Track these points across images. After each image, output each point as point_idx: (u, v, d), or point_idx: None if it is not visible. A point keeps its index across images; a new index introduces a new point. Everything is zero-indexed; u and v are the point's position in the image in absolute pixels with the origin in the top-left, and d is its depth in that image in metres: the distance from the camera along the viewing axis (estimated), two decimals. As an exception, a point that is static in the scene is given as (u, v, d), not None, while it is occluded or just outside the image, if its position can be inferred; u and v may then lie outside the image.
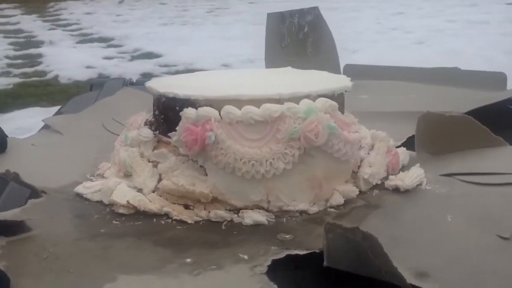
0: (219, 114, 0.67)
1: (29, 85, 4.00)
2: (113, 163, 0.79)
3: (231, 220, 0.67)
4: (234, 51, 4.50)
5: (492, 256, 0.56)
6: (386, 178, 0.74)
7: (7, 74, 4.34)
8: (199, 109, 0.68)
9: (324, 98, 0.68)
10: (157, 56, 4.74)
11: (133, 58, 4.79)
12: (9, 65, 4.62)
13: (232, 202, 0.68)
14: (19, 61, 4.81)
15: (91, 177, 0.80)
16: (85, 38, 5.89)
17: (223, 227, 0.66)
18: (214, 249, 0.60)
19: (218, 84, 0.79)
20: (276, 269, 0.55)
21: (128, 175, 0.75)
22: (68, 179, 0.78)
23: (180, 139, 0.69)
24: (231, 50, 4.60)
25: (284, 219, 0.67)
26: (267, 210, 0.68)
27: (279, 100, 0.67)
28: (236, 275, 0.54)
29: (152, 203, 0.69)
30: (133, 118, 0.80)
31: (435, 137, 0.80)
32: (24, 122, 3.06)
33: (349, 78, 0.78)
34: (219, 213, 0.67)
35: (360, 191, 0.72)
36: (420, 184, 0.72)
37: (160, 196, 0.70)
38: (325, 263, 0.53)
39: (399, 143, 0.84)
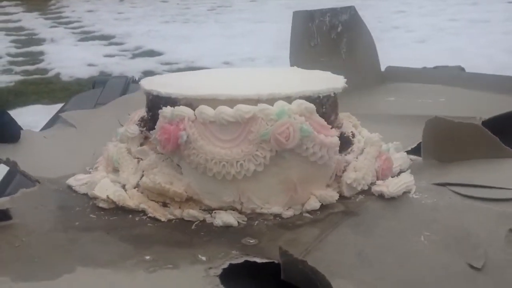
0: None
1: (31, 82, 4.00)
2: (103, 157, 0.80)
3: (204, 220, 0.67)
4: (235, 49, 4.50)
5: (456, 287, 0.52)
6: (375, 183, 0.73)
7: (8, 71, 4.34)
8: (175, 108, 0.68)
9: (300, 100, 0.67)
10: (159, 54, 4.74)
11: (134, 56, 4.78)
12: (11, 63, 4.62)
13: (206, 202, 0.69)
14: (21, 58, 4.81)
15: (90, 170, 0.81)
16: (87, 36, 5.88)
17: (193, 227, 0.66)
18: (176, 248, 0.61)
19: (205, 83, 0.79)
20: (232, 274, 0.55)
21: (116, 170, 0.76)
22: (67, 171, 0.79)
23: (156, 137, 0.70)
24: (233, 48, 4.60)
25: (257, 222, 0.66)
26: (240, 212, 0.68)
27: (257, 101, 0.67)
28: (189, 275, 0.55)
29: (131, 199, 0.70)
30: (133, 113, 0.81)
31: (442, 143, 0.77)
32: (26, 120, 3.06)
33: (344, 80, 0.76)
34: (191, 213, 0.68)
35: (343, 196, 0.70)
36: (408, 192, 0.69)
37: (142, 192, 0.71)
38: (282, 277, 0.54)
39: (409, 148, 0.82)
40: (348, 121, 0.81)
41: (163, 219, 0.68)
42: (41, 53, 4.98)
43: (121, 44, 5.33)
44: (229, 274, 0.55)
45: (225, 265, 0.56)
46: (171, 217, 0.68)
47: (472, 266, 0.54)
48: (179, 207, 0.69)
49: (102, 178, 0.74)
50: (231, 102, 0.66)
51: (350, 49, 1.18)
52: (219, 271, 0.55)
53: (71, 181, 0.76)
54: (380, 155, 0.74)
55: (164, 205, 0.70)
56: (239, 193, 0.68)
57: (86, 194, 0.74)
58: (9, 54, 4.96)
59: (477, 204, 0.66)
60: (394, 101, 1.06)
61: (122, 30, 6.00)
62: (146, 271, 0.56)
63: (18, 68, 4.41)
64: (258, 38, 5.18)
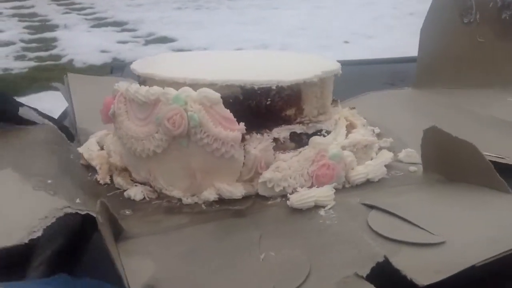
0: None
1: (44, 69, 4.01)
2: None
3: (126, 190, 0.69)
4: (248, 36, 4.47)
5: None
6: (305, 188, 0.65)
7: (22, 57, 4.34)
8: (118, 83, 0.71)
9: (204, 89, 0.63)
10: (172, 40, 4.72)
11: (147, 42, 4.77)
12: (24, 49, 4.63)
13: (133, 174, 0.71)
14: (34, 45, 4.81)
15: None
16: (100, 22, 5.88)
17: (110, 194, 0.68)
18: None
19: (184, 65, 0.78)
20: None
21: None
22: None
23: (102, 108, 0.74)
24: (246, 34, 4.58)
25: (161, 201, 0.66)
26: (154, 190, 0.69)
27: (183, 84, 0.65)
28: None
29: (95, 160, 0.74)
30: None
31: (442, 157, 0.67)
32: (39, 106, 3.06)
33: (320, 73, 0.70)
34: (118, 181, 0.70)
35: (259, 195, 0.65)
36: (322, 207, 0.61)
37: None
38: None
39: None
40: (347, 118, 0.76)
41: (101, 182, 0.71)
42: (54, 39, 4.98)
43: (134, 30, 5.32)
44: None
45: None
46: (108, 182, 0.71)
47: None
48: (118, 175, 0.72)
49: (93, 137, 0.80)
50: (171, 84, 0.66)
51: None
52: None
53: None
54: (319, 159, 0.66)
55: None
56: (149, 171, 0.68)
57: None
58: (22, 40, 4.96)
59: (372, 239, 0.53)
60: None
61: (135, 16, 5.99)
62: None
63: (31, 54, 4.41)
64: (271, 25, 5.15)
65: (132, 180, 0.71)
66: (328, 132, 0.72)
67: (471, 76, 1.04)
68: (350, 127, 0.75)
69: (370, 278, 0.47)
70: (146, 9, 6.71)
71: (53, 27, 5.62)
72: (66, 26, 5.63)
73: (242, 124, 0.63)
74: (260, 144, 0.65)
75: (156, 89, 0.64)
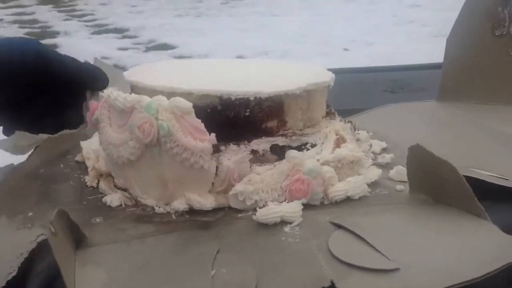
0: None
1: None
2: None
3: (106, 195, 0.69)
4: (249, 43, 4.48)
5: None
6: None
7: (23, 64, 4.36)
8: (105, 90, 0.71)
9: (178, 98, 0.62)
10: (172, 47, 4.74)
11: (148, 49, 4.78)
12: (25, 55, 4.64)
13: (115, 180, 0.71)
14: (35, 51, 4.83)
15: None
16: (100, 29, 5.89)
17: (91, 197, 0.69)
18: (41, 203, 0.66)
19: (169, 72, 0.77)
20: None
21: None
22: None
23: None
24: (246, 42, 4.59)
25: (135, 208, 0.66)
26: (133, 197, 0.68)
27: (161, 92, 0.65)
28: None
29: (89, 160, 0.75)
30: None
31: (424, 177, 0.63)
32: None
33: (305, 85, 0.68)
34: (101, 185, 0.70)
35: (231, 207, 0.64)
36: (289, 223, 0.59)
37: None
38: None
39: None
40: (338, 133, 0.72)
41: (88, 184, 0.72)
42: (55, 46, 4.99)
43: (134, 37, 5.33)
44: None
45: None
46: (94, 185, 0.72)
47: None
48: (103, 180, 0.72)
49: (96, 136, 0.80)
50: (153, 92, 0.66)
51: None
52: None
53: None
54: (293, 174, 0.64)
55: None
56: (126, 178, 0.68)
57: None
58: (23, 47, 4.97)
59: (326, 261, 0.52)
60: None
61: (136, 23, 6.01)
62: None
63: (32, 61, 4.43)
64: (272, 32, 5.16)
65: (115, 186, 0.70)
66: (314, 146, 0.69)
67: (500, 91, 0.99)
68: (341, 141, 0.71)
69: None
70: (147, 16, 6.72)
71: (54, 34, 5.64)
72: (66, 33, 5.65)
73: (213, 135, 0.62)
74: (235, 155, 0.64)
75: (132, 96, 0.64)
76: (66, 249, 0.52)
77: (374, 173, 0.69)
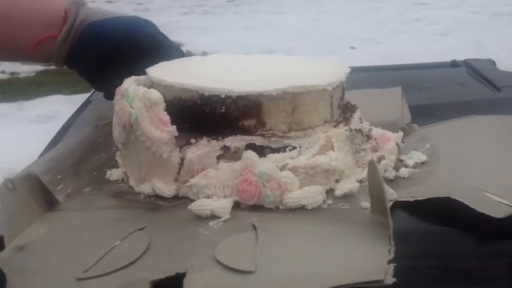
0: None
1: (51, 73, 4.03)
2: None
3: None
4: (255, 41, 4.49)
5: None
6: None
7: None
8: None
9: (151, 90, 0.66)
10: (178, 45, 4.72)
11: (153, 47, 4.79)
12: (32, 53, 4.66)
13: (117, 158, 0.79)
14: (41, 49, 4.84)
15: None
16: (107, 27, 5.91)
17: (95, 172, 0.75)
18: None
19: (177, 67, 0.79)
20: None
21: None
22: None
23: None
24: (252, 40, 4.59)
25: (127, 186, 0.71)
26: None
27: (156, 84, 0.71)
28: None
29: None
30: None
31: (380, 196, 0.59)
32: (47, 109, 3.09)
33: (275, 88, 0.66)
34: (119, 160, 0.76)
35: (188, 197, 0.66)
36: (218, 217, 0.61)
37: None
38: None
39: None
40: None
41: (116, 157, 0.77)
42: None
43: (140, 35, 5.34)
44: None
45: None
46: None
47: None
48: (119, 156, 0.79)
49: None
50: (152, 85, 0.72)
51: None
52: None
53: None
54: (245, 174, 0.64)
55: None
56: (121, 157, 0.75)
57: None
58: (29, 45, 4.99)
59: (201, 259, 0.54)
60: None
61: (142, 21, 6.02)
62: None
63: (38, 58, 4.44)
64: (277, 30, 5.16)
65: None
66: (294, 149, 0.67)
67: None
68: (327, 149, 0.68)
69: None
70: (153, 14, 6.73)
71: (60, 31, 5.65)
72: (73, 31, 5.66)
73: (173, 127, 0.65)
74: (201, 149, 0.65)
75: (133, 86, 0.69)
76: (23, 205, 0.62)
77: (348, 186, 0.66)
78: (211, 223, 0.61)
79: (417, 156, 0.74)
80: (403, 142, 0.76)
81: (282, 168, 0.65)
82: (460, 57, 1.33)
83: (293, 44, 4.33)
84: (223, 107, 0.66)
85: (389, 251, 0.52)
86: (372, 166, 0.58)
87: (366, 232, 0.57)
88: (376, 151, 0.73)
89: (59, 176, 0.71)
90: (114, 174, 0.73)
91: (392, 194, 0.64)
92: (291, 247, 0.55)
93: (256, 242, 0.56)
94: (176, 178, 0.67)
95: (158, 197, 0.67)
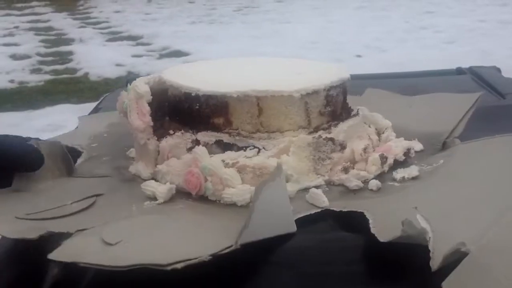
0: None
1: (60, 82, 4.07)
2: None
3: None
4: (262, 50, 4.50)
5: None
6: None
7: (38, 71, 4.42)
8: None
9: (139, 83, 0.76)
10: (185, 54, 4.78)
11: (161, 56, 4.84)
12: (40, 62, 4.71)
13: None
14: (50, 58, 4.90)
15: None
16: (115, 36, 5.96)
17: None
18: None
19: (206, 70, 0.85)
20: None
21: None
22: None
23: None
24: (259, 48, 4.61)
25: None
26: None
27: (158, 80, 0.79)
28: None
29: None
30: None
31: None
32: (55, 119, 3.11)
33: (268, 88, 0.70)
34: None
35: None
36: (155, 199, 0.68)
37: None
38: None
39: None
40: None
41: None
42: (70, 53, 5.06)
43: (148, 44, 5.39)
44: None
45: None
46: None
47: None
48: None
49: None
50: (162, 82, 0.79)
51: None
52: None
53: None
54: (192, 166, 0.68)
55: None
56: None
57: None
58: (38, 54, 5.05)
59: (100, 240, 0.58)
60: None
61: (150, 30, 6.07)
62: None
63: (47, 68, 4.49)
64: (284, 39, 5.18)
65: None
66: (256, 148, 0.70)
67: None
68: (284, 152, 0.70)
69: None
70: (161, 23, 6.78)
71: (69, 41, 5.71)
72: (81, 40, 5.72)
73: (148, 118, 0.74)
74: (174, 140, 0.73)
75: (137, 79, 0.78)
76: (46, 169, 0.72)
77: (291, 190, 0.67)
78: (146, 203, 0.67)
79: (409, 171, 0.72)
80: (412, 155, 0.75)
81: (232, 166, 0.68)
82: (465, 64, 1.34)
83: (301, 53, 4.35)
84: (197, 104, 0.73)
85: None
86: (277, 168, 0.59)
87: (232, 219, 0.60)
88: (354, 162, 0.72)
89: (95, 145, 0.84)
90: (132, 152, 0.81)
91: (323, 202, 0.65)
92: (167, 229, 0.60)
93: (147, 224, 0.61)
94: (156, 164, 0.74)
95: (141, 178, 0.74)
